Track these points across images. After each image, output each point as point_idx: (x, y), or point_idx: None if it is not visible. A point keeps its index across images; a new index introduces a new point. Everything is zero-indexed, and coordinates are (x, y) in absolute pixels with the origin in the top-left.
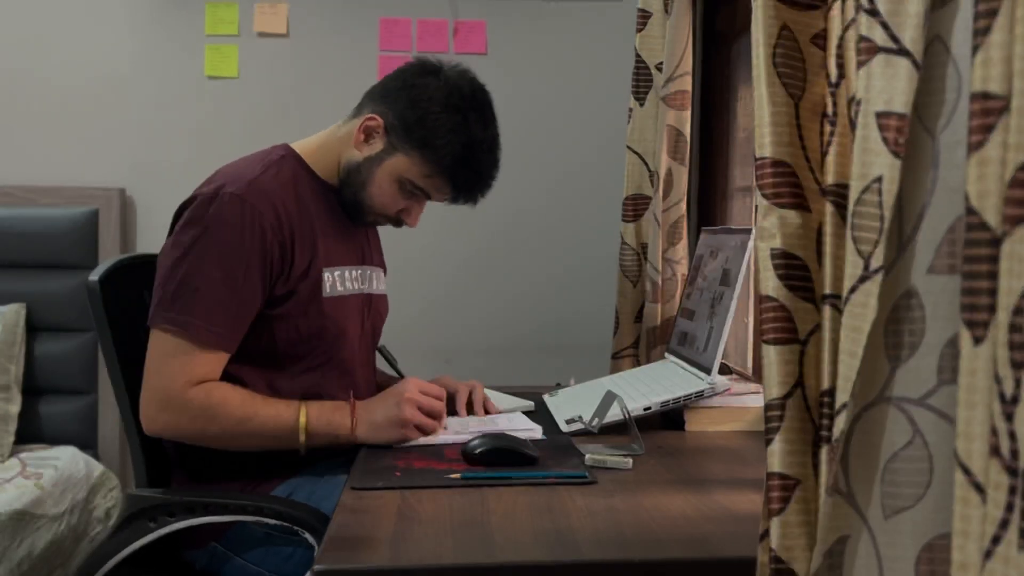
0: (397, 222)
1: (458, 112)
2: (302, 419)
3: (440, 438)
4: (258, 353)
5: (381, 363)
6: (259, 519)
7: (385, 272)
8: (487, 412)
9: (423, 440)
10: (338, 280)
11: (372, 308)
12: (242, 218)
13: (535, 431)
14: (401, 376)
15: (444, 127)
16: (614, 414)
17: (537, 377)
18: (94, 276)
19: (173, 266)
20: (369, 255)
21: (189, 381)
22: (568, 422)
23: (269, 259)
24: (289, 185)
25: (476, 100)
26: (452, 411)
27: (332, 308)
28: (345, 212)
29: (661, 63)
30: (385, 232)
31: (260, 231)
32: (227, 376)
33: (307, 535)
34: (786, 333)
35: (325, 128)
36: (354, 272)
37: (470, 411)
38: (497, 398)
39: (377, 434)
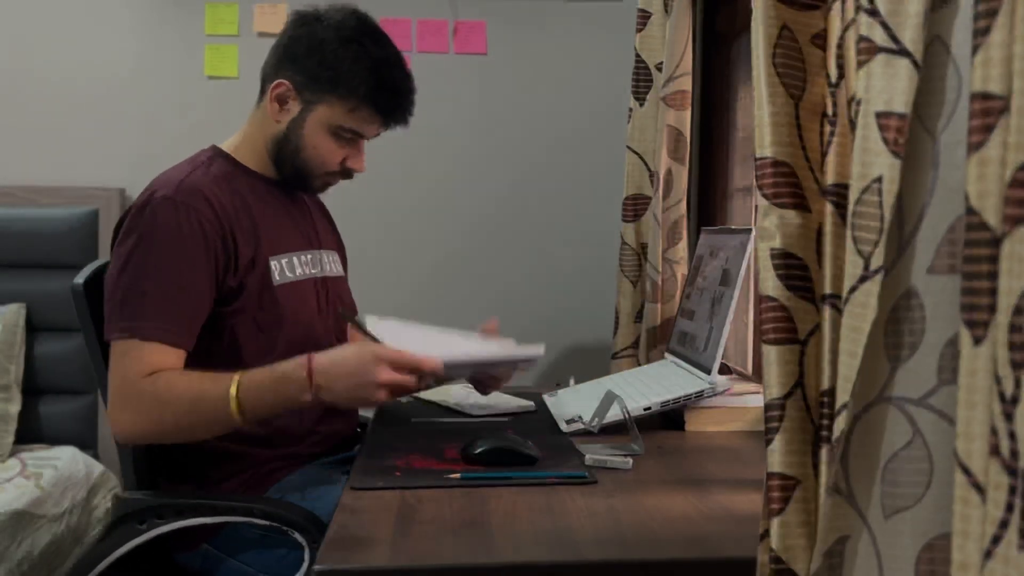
0: (345, 173)
1: (352, 42)
2: (232, 388)
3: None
4: (223, 353)
5: None
6: (249, 520)
7: (343, 255)
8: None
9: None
10: (286, 267)
11: (329, 291)
12: (177, 218)
13: (535, 350)
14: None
15: (346, 59)
16: (614, 414)
17: (537, 377)
18: (79, 279)
19: (117, 278)
20: (317, 239)
21: (140, 373)
22: (568, 422)
23: (212, 253)
24: (221, 181)
25: (366, 27)
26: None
27: (285, 295)
28: (292, 188)
29: (661, 63)
30: (382, 231)
31: (198, 227)
32: None
33: (296, 535)
34: (786, 333)
35: None
36: (304, 256)
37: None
38: (497, 398)
39: (341, 394)
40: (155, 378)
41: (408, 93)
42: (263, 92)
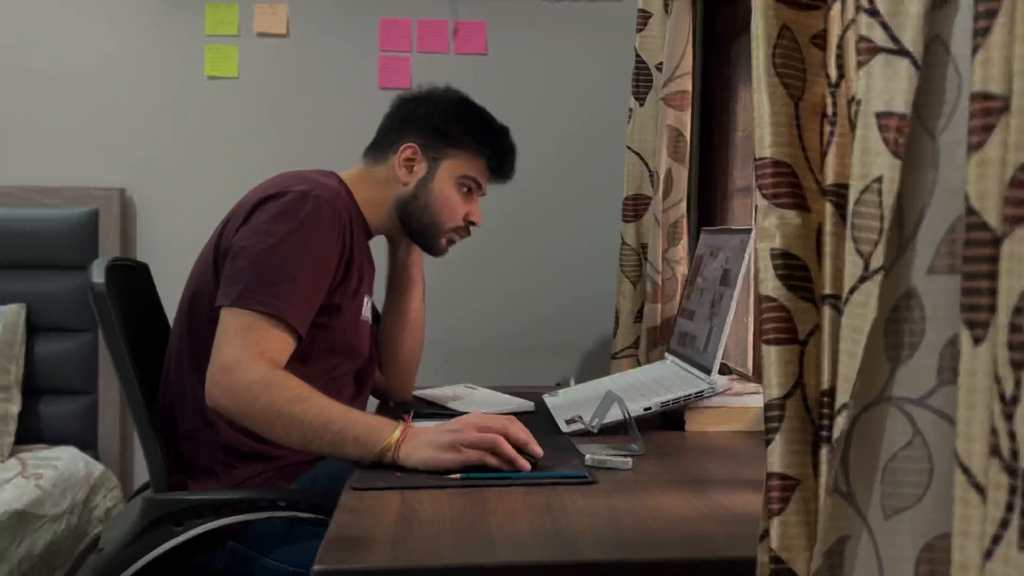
0: (467, 229)
1: (461, 102)
2: (329, 415)
3: None
4: (293, 357)
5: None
6: (293, 514)
7: None
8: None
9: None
10: (366, 307)
11: (373, 335)
12: (332, 222)
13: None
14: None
15: (465, 114)
16: (614, 414)
17: (537, 377)
18: (97, 278)
19: (268, 252)
20: (372, 287)
21: (260, 351)
22: (568, 422)
23: (340, 267)
24: (351, 207)
25: (463, 95)
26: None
27: (364, 331)
28: (418, 244)
29: (661, 63)
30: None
31: (341, 238)
32: None
33: None
34: (786, 333)
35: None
36: (368, 300)
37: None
38: (497, 398)
39: (421, 453)
40: (274, 364)
41: (515, 153)
42: (381, 157)
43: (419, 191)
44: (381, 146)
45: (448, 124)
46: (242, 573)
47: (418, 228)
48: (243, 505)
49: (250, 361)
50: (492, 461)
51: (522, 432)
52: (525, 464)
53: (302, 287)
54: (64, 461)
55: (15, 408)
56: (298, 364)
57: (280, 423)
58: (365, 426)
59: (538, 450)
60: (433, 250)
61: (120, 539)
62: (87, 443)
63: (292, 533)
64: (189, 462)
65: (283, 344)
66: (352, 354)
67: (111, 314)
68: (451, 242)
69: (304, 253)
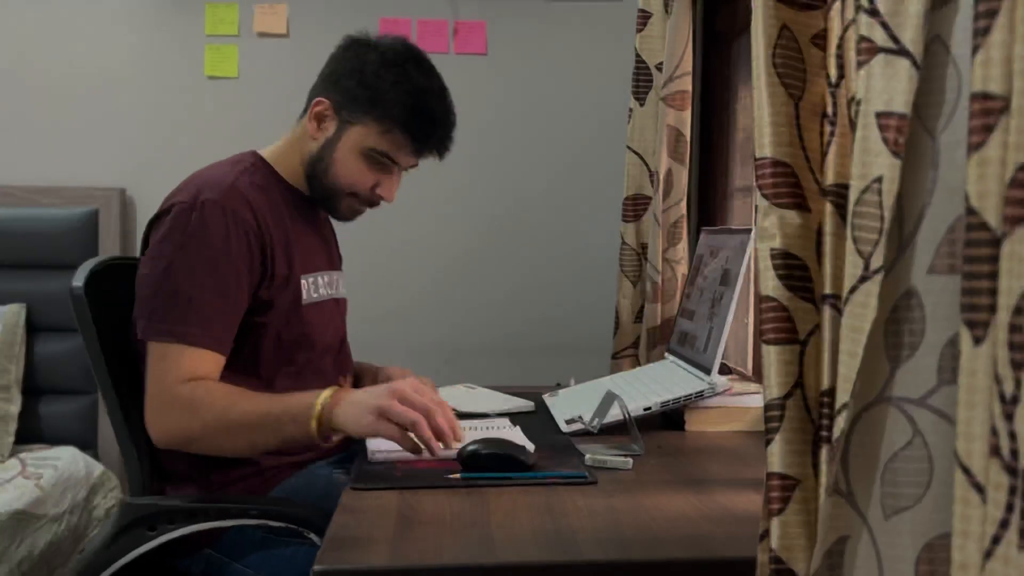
0: (373, 201)
1: (396, 65)
2: (261, 407)
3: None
4: (239, 360)
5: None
6: (263, 522)
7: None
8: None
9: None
10: (312, 287)
11: (339, 311)
12: (225, 225)
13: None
14: None
15: (386, 81)
16: (614, 414)
17: (537, 377)
18: (77, 281)
19: (161, 277)
20: (335, 259)
21: (177, 379)
22: (568, 422)
23: (253, 264)
24: (262, 191)
25: (412, 54)
26: None
27: (311, 315)
28: (321, 207)
29: (661, 63)
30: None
31: (244, 236)
32: None
33: (312, 536)
34: (786, 333)
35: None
36: (326, 277)
37: None
38: (497, 398)
39: (351, 412)
40: (193, 386)
41: (445, 125)
42: (305, 109)
43: (324, 152)
44: (307, 101)
45: (360, 87)
46: None
47: (319, 192)
48: (215, 512)
49: (169, 393)
50: (406, 444)
51: (444, 421)
52: (437, 447)
53: (200, 303)
54: (64, 461)
55: (15, 408)
56: (254, 374)
57: (223, 437)
58: (296, 403)
59: (453, 444)
60: (335, 216)
61: (97, 542)
62: (87, 443)
63: (266, 541)
64: (168, 467)
65: (200, 361)
66: (306, 342)
67: (89, 318)
68: (354, 211)
69: (195, 268)
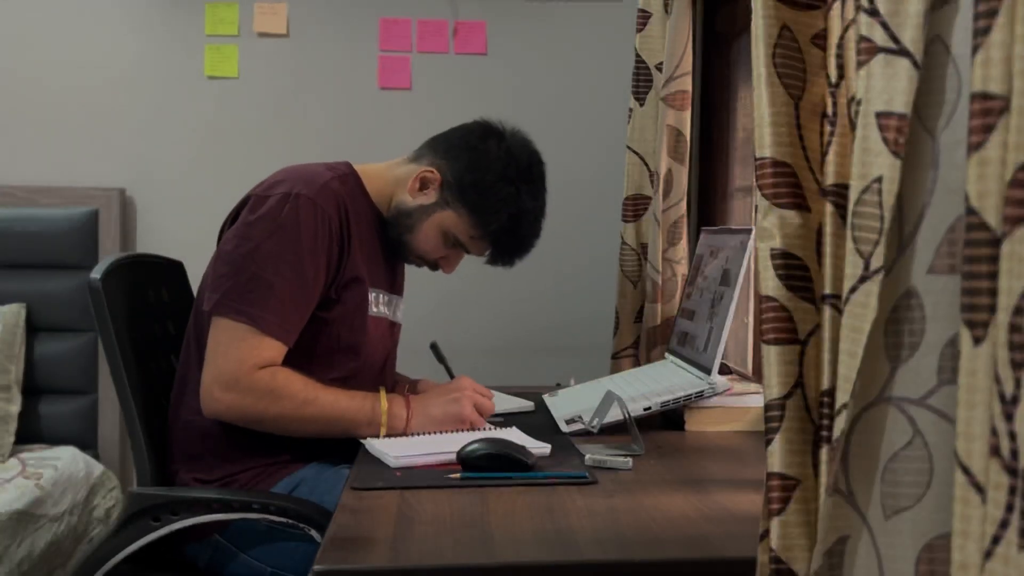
0: (434, 266)
1: (512, 183)
2: (384, 417)
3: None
4: (294, 352)
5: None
6: (264, 516)
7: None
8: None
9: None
10: (376, 301)
11: (392, 335)
12: (315, 221)
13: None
14: (452, 376)
15: (497, 196)
16: (614, 414)
17: (537, 377)
18: (95, 274)
19: (245, 259)
20: (398, 284)
21: (256, 364)
22: (568, 422)
23: (331, 261)
24: (350, 198)
25: (531, 172)
26: None
27: (372, 325)
28: (388, 245)
29: (661, 63)
30: None
31: (328, 234)
32: None
33: (312, 531)
34: (786, 333)
35: (322, 133)
36: (386, 297)
37: None
38: (497, 398)
39: (431, 427)
40: (273, 372)
41: (528, 248)
42: (416, 160)
43: (414, 213)
44: (420, 153)
45: (473, 188)
46: (223, 566)
47: (395, 238)
48: (217, 505)
49: (249, 376)
50: (480, 421)
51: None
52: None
53: (280, 292)
54: (64, 461)
55: (15, 408)
56: (304, 362)
57: (294, 427)
58: (372, 411)
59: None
60: (396, 257)
61: (105, 531)
62: (87, 443)
63: (272, 533)
64: (184, 449)
65: (275, 351)
66: (359, 351)
67: (106, 310)
68: (412, 263)
69: (282, 257)
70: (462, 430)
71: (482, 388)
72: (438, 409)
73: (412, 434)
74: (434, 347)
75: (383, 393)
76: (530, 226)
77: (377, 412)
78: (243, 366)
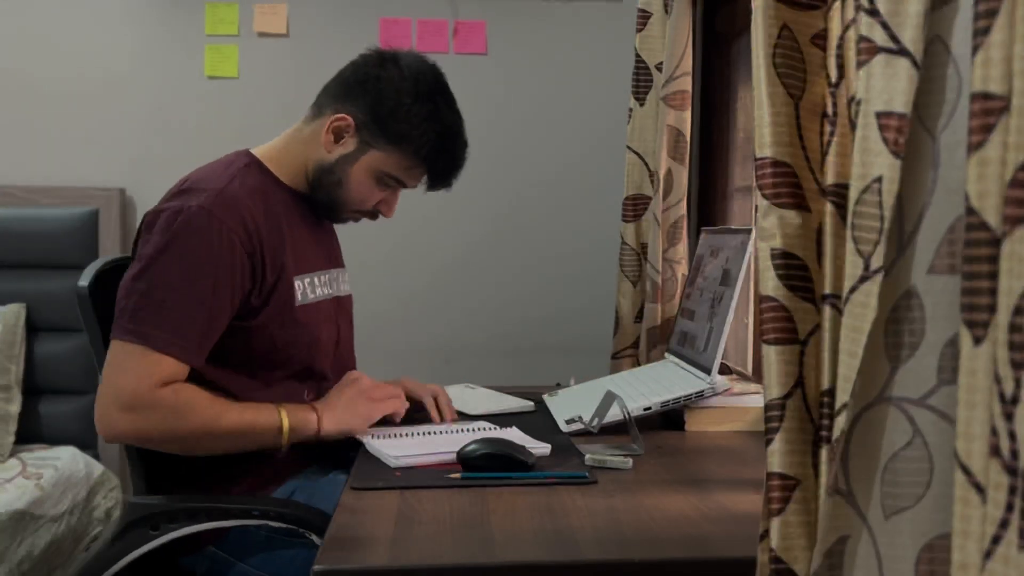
0: (373, 215)
1: (428, 100)
2: (285, 422)
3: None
4: (234, 362)
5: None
6: (264, 523)
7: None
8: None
9: (418, 430)
10: (308, 287)
11: (341, 310)
12: (210, 231)
13: (544, 448)
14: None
15: (418, 118)
16: (614, 414)
17: (537, 377)
18: (83, 282)
19: (135, 278)
20: (335, 257)
21: (156, 383)
22: (568, 422)
23: (239, 273)
24: (256, 194)
25: (440, 84)
26: (424, 419)
27: (306, 316)
28: (319, 213)
29: (661, 63)
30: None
31: (229, 245)
32: (203, 384)
33: (313, 537)
34: (786, 333)
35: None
36: (323, 277)
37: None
38: (497, 398)
39: (344, 427)
40: (176, 389)
41: (462, 161)
42: (318, 114)
43: (336, 167)
44: (320, 103)
45: (391, 118)
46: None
47: (323, 200)
48: (217, 512)
49: (150, 394)
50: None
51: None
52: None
53: (173, 309)
54: (64, 461)
55: (15, 408)
56: (249, 375)
57: (204, 444)
58: (289, 423)
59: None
60: (334, 222)
61: (101, 540)
62: (87, 443)
63: (270, 542)
64: (172, 466)
65: (174, 368)
66: (302, 343)
67: (94, 317)
68: (351, 220)
69: (173, 272)
70: (395, 420)
71: (376, 382)
72: (345, 412)
73: (326, 436)
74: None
75: (283, 408)
76: (458, 137)
77: (297, 418)
78: (141, 384)
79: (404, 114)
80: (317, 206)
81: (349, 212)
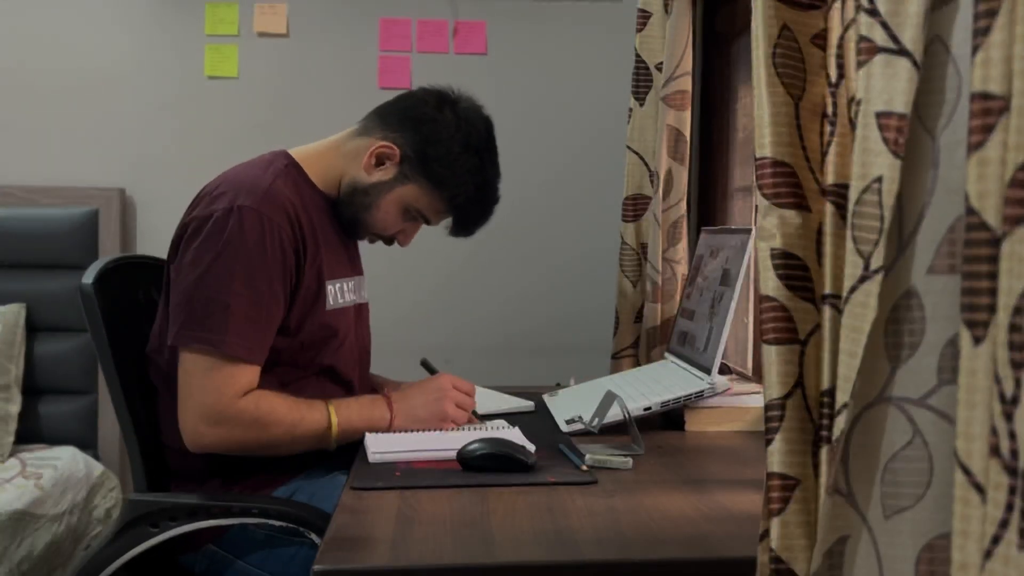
0: (390, 241)
1: (476, 154)
2: (334, 420)
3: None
4: (264, 368)
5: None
6: (263, 521)
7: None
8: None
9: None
10: (339, 292)
11: (362, 317)
12: (262, 232)
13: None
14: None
15: (462, 168)
16: (614, 414)
17: (537, 377)
18: (87, 279)
19: (197, 284)
20: (358, 264)
21: (236, 393)
22: (568, 422)
23: (288, 270)
24: (296, 196)
25: (489, 139)
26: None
27: (333, 320)
28: (341, 226)
29: (661, 63)
30: None
31: (279, 243)
32: None
33: (312, 536)
34: (786, 333)
35: (322, 133)
36: (350, 283)
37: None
38: (497, 398)
39: (415, 425)
40: (255, 400)
41: (489, 218)
42: (365, 134)
43: (371, 191)
44: (369, 124)
45: (437, 161)
46: (220, 574)
47: (348, 216)
48: (217, 510)
49: (232, 406)
50: (463, 418)
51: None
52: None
53: (238, 312)
54: (64, 461)
55: (15, 408)
56: (274, 376)
57: (284, 448)
58: (361, 418)
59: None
60: (351, 236)
61: (102, 537)
62: (87, 443)
63: (269, 540)
64: (174, 465)
65: (249, 374)
66: (329, 348)
67: (98, 315)
68: (368, 240)
69: (233, 275)
70: (446, 429)
71: (463, 383)
72: (421, 408)
73: (397, 431)
74: (425, 363)
75: (366, 398)
76: (493, 193)
77: (365, 420)
78: (223, 398)
79: (450, 161)
80: (340, 219)
81: (369, 234)
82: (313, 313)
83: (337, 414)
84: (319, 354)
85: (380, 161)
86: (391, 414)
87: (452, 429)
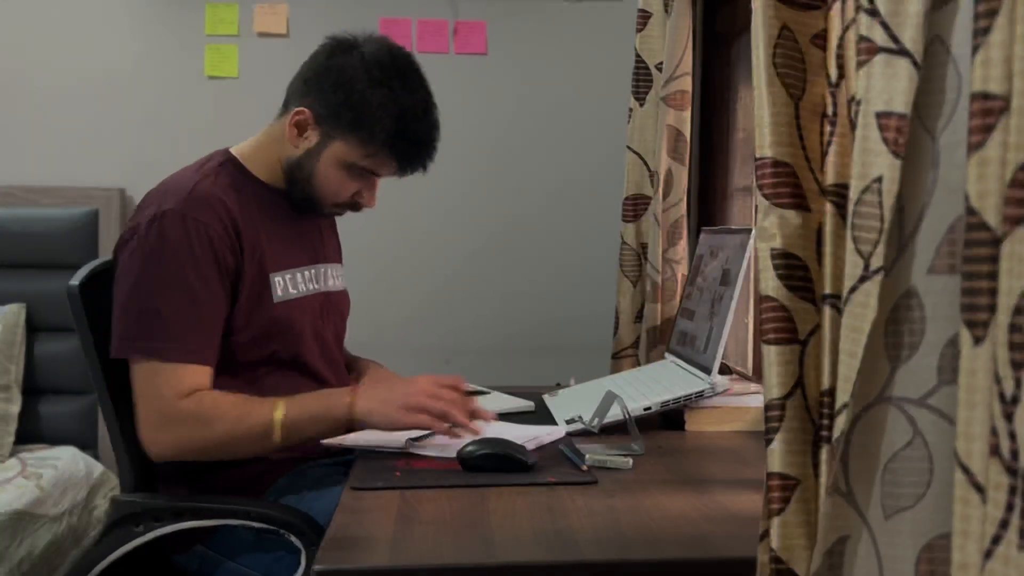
0: (355, 206)
1: (382, 85)
2: (280, 411)
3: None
4: (219, 361)
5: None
6: (245, 523)
7: (341, 264)
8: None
9: (433, 446)
10: (289, 283)
11: (331, 305)
12: (187, 234)
13: (555, 432)
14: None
15: (372, 104)
16: (614, 414)
17: (537, 377)
18: (74, 281)
19: (129, 294)
20: (323, 253)
21: (178, 395)
22: (568, 422)
23: (224, 265)
24: (230, 191)
25: (398, 67)
26: None
27: (283, 311)
28: (301, 210)
29: (661, 63)
30: (382, 231)
31: (208, 242)
32: None
33: (292, 538)
34: (786, 333)
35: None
36: (307, 273)
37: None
38: (497, 398)
39: (380, 409)
40: (198, 398)
41: (429, 143)
42: (285, 107)
43: (304, 161)
44: (286, 99)
45: (346, 107)
46: (211, 574)
47: (301, 197)
48: (202, 511)
49: (173, 409)
50: (441, 427)
51: (469, 402)
52: (478, 428)
53: (171, 316)
54: (64, 461)
55: (15, 408)
56: (233, 373)
57: (240, 445)
58: (316, 405)
59: (488, 415)
60: (319, 216)
61: (91, 537)
62: (87, 443)
63: (259, 541)
64: (160, 467)
65: (193, 375)
66: (282, 339)
67: (84, 318)
68: (336, 213)
69: (161, 281)
70: (420, 425)
71: (445, 378)
72: (388, 392)
73: (360, 414)
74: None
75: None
76: (420, 121)
77: (324, 406)
78: (164, 401)
79: (358, 101)
80: (296, 202)
81: (328, 206)
82: (260, 306)
83: (288, 404)
84: (277, 348)
85: (301, 129)
86: (353, 397)
87: (427, 431)
